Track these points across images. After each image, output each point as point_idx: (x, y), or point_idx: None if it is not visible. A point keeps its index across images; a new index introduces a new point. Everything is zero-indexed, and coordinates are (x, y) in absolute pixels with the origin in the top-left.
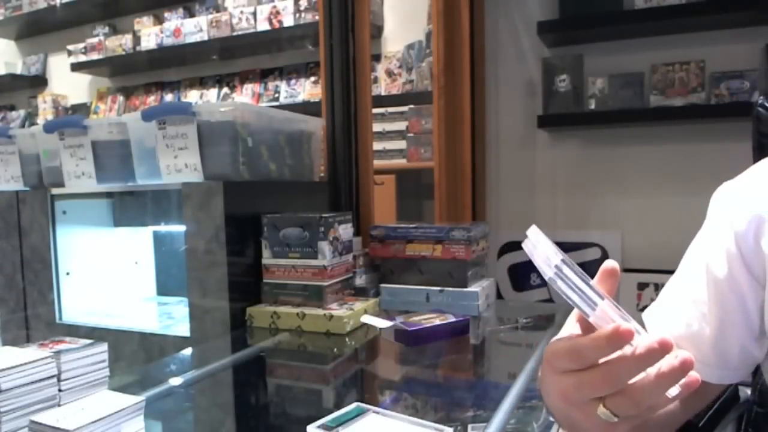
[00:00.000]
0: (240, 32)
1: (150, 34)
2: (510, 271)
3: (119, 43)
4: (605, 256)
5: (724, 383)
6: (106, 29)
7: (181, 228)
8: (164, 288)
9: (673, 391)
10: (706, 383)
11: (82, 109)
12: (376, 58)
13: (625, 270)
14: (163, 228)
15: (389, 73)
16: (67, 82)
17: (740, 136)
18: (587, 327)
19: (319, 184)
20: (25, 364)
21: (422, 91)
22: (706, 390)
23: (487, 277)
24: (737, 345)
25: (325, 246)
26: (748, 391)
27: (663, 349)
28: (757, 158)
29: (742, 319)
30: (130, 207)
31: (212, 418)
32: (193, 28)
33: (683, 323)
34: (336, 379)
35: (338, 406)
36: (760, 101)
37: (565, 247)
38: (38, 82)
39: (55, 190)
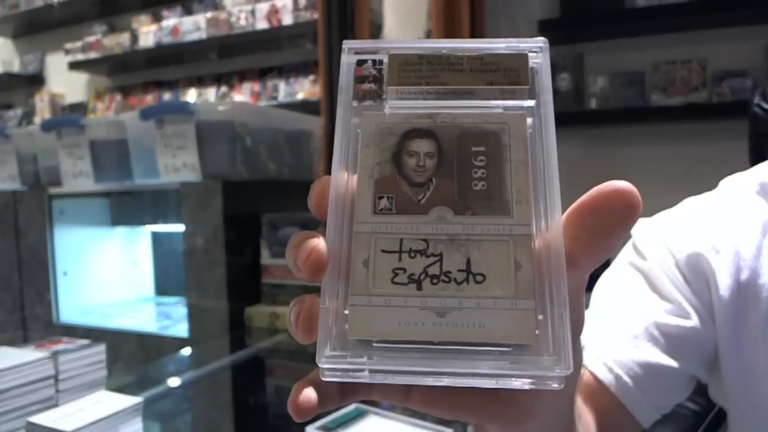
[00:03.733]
0: (238, 31)
1: (148, 32)
2: None
3: (117, 42)
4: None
5: (643, 412)
6: (104, 28)
7: (179, 228)
8: (162, 288)
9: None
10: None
11: (79, 108)
12: None
13: None
14: (161, 228)
15: None
16: (65, 81)
17: (742, 135)
18: None
19: None
20: (23, 364)
21: None
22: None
23: None
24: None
25: None
26: None
27: None
28: (753, 158)
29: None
30: (128, 206)
31: (211, 419)
32: (192, 27)
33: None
34: None
35: (338, 407)
36: (756, 101)
37: None
38: (35, 80)
39: (52, 190)
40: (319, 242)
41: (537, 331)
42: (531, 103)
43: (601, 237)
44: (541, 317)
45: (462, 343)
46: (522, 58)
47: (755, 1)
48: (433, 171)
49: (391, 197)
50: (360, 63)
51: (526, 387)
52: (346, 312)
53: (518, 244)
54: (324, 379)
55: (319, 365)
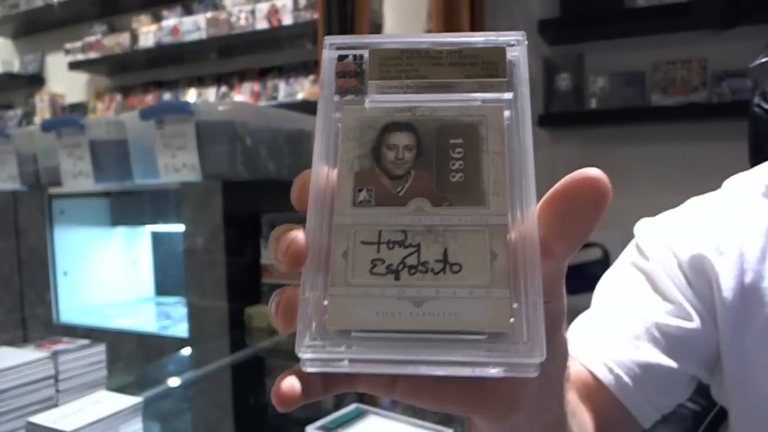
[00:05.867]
0: (238, 31)
1: (148, 32)
2: None
3: (117, 42)
4: (606, 256)
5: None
6: (104, 28)
7: (179, 228)
8: (162, 288)
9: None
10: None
11: (79, 108)
12: None
13: None
14: (161, 228)
15: None
16: (65, 81)
17: (742, 135)
18: None
19: None
20: (23, 364)
21: None
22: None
23: None
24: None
25: None
26: None
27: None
28: (753, 158)
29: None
30: (128, 206)
31: (211, 419)
32: (192, 27)
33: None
34: None
35: (337, 407)
36: (756, 101)
37: None
38: (35, 80)
39: (52, 190)
40: (298, 234)
41: (512, 320)
42: (509, 95)
43: (574, 224)
44: (516, 306)
45: (439, 331)
46: (500, 51)
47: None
48: (411, 163)
49: (371, 190)
50: (341, 58)
51: (502, 375)
52: (326, 303)
53: (494, 234)
54: (304, 369)
55: (299, 355)
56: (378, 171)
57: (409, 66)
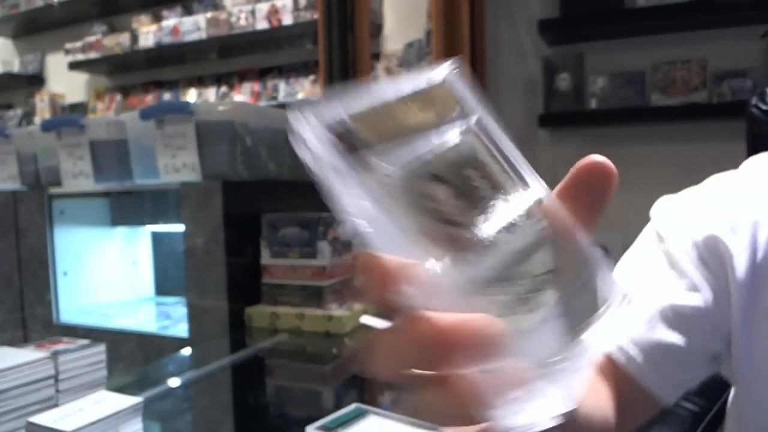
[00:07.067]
0: (238, 31)
1: (148, 32)
2: None
3: (117, 42)
4: (606, 256)
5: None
6: (104, 28)
7: (179, 228)
8: (162, 288)
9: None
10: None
11: (79, 108)
12: (376, 56)
13: None
14: (161, 228)
15: (389, 72)
16: (65, 81)
17: (742, 135)
18: None
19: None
20: (23, 364)
21: None
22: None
23: None
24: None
25: (324, 246)
26: None
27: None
28: None
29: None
30: (128, 206)
31: (211, 419)
32: (192, 27)
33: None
34: (335, 380)
35: (338, 407)
36: (753, 101)
37: None
38: (35, 80)
39: (52, 190)
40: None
41: None
42: (473, 118)
43: (588, 208)
44: None
45: None
46: (441, 88)
47: (755, 2)
48: (458, 207)
49: (444, 250)
50: (330, 129)
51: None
52: None
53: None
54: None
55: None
56: (436, 228)
57: (390, 121)
